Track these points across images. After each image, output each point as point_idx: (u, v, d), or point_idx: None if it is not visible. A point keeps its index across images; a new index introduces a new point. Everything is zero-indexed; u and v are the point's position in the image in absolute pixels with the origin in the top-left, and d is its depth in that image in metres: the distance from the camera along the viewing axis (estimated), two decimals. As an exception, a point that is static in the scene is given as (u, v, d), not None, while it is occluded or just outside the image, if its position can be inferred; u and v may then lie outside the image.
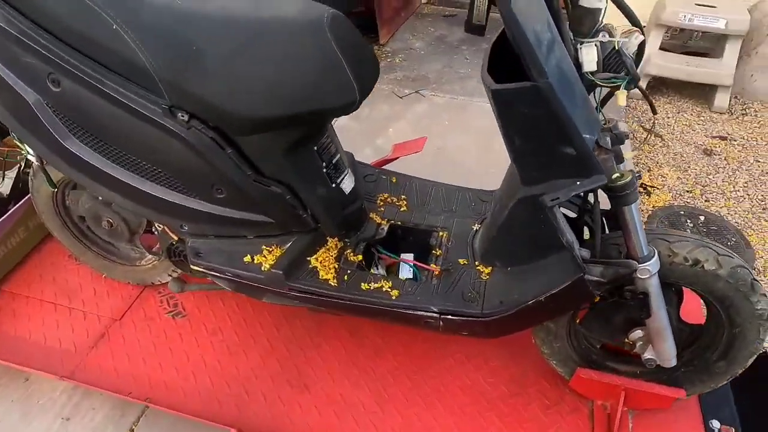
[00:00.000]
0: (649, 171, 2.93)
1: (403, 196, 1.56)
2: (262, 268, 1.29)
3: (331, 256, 1.35)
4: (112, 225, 1.64)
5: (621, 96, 0.99)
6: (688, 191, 2.77)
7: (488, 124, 3.02)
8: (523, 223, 1.16)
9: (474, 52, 3.70)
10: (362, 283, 1.29)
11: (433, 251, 1.41)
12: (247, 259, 1.30)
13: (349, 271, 1.33)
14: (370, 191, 1.57)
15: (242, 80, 1.06)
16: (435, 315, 1.24)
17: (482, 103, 3.17)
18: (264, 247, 1.32)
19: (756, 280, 1.19)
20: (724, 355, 1.32)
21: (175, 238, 1.38)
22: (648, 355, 1.30)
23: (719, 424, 1.46)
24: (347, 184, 1.37)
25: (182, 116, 1.09)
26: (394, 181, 1.63)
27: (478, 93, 3.25)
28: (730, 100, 3.35)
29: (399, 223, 1.49)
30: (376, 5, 3.54)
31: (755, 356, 1.30)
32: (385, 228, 1.47)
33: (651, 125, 1.03)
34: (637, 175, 1.04)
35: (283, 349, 1.66)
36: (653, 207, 2.64)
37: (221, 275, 1.31)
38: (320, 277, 1.30)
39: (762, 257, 2.44)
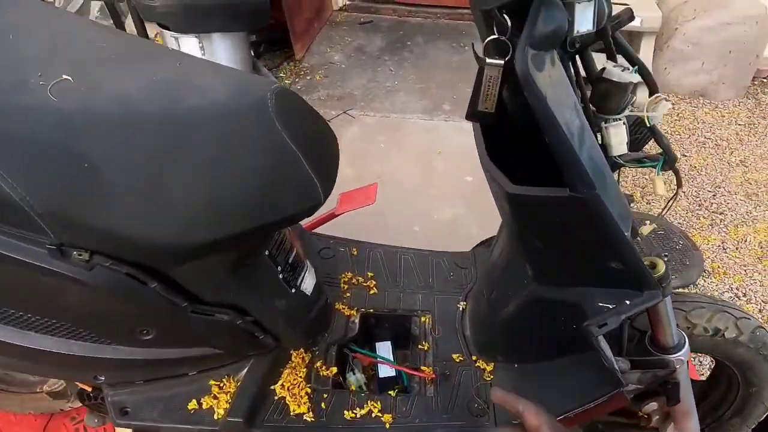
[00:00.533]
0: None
1: (369, 273, 1.32)
2: (215, 416, 1.00)
3: (300, 376, 1.08)
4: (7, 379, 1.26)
5: (659, 183, 0.81)
6: (627, 195, 2.76)
7: (425, 142, 2.85)
8: (535, 322, 0.97)
9: (397, 62, 3.49)
10: (345, 411, 1.04)
11: (420, 345, 1.18)
12: (192, 405, 1.00)
13: (325, 395, 1.07)
14: (329, 271, 1.31)
15: (164, 201, 0.76)
16: (438, 439, 1.02)
17: (415, 120, 2.99)
18: (212, 382, 1.03)
19: None
20: (738, 413, 1.23)
21: (89, 389, 1.04)
22: (670, 433, 1.17)
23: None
24: (308, 282, 1.11)
25: (79, 255, 0.77)
26: (354, 253, 1.38)
27: (409, 109, 3.05)
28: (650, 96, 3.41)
29: (371, 311, 1.25)
30: (287, 17, 3.22)
31: (769, 411, 1.22)
32: (357, 320, 1.22)
33: (672, 198, 0.86)
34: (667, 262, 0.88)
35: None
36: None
37: (158, 432, 1.00)
38: (291, 412, 1.03)
39: (708, 257, 2.48)
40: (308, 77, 3.29)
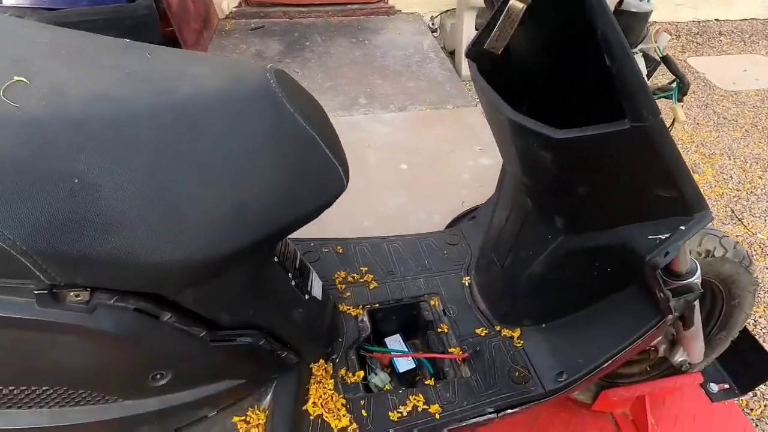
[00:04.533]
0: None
1: (363, 269, 1.24)
2: (253, 454, 0.87)
3: (328, 389, 0.98)
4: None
5: (679, 111, 0.83)
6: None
7: (351, 138, 2.78)
8: (565, 275, 0.96)
9: (301, 63, 3.39)
10: (388, 413, 0.96)
11: (439, 328, 1.13)
12: (223, 449, 0.86)
13: (362, 402, 0.98)
14: (322, 274, 1.21)
15: (174, 213, 0.63)
16: (491, 416, 0.98)
17: (336, 117, 2.91)
18: (236, 419, 0.90)
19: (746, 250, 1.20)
20: (723, 326, 1.33)
21: None
22: (679, 357, 1.23)
23: (716, 386, 1.50)
24: (317, 286, 1.01)
25: (76, 296, 0.62)
26: (340, 251, 1.29)
27: (326, 108, 2.96)
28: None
29: (377, 305, 1.18)
30: (176, 29, 2.99)
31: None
32: (365, 318, 1.14)
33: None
34: None
35: None
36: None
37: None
38: (334, 428, 0.93)
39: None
40: (212, 89, 3.08)
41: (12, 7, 2.33)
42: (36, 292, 0.60)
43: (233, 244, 0.67)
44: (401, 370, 1.14)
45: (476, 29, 3.54)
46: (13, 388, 0.67)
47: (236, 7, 3.89)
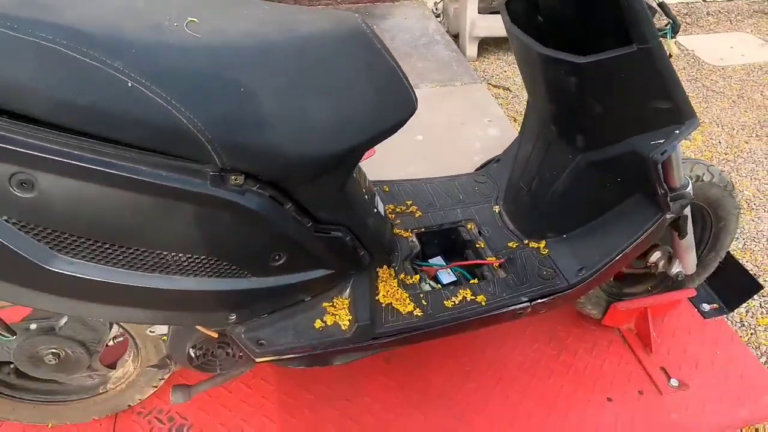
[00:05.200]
0: (515, 120, 3.26)
1: (408, 202, 1.47)
2: (342, 328, 1.09)
3: (394, 286, 1.21)
4: (60, 356, 1.21)
5: (673, 46, 1.06)
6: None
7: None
8: (584, 188, 1.19)
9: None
10: (444, 302, 1.19)
11: (477, 245, 1.36)
12: (318, 324, 1.09)
13: (421, 295, 1.21)
14: (374, 206, 1.44)
15: (307, 115, 0.86)
16: (526, 305, 1.21)
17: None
18: (325, 304, 1.12)
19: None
20: (712, 248, 1.56)
21: (214, 335, 1.08)
22: (675, 269, 1.46)
23: (708, 306, 1.74)
24: (380, 205, 1.24)
25: (235, 179, 0.84)
26: (386, 190, 1.51)
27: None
28: (543, 46, 3.88)
29: (422, 229, 1.40)
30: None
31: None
32: (414, 239, 1.37)
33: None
34: None
35: (329, 409, 1.45)
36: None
37: (296, 355, 1.07)
38: (402, 312, 1.15)
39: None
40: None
41: None
42: (211, 173, 0.82)
43: (342, 145, 0.90)
44: (445, 282, 1.37)
45: (480, 13, 3.76)
46: (175, 254, 0.88)
47: None
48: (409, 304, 1.17)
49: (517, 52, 1.16)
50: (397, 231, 1.37)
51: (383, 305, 1.16)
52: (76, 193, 0.78)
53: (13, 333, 1.08)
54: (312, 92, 0.86)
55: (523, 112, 3.32)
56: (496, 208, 1.45)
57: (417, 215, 1.43)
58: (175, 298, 0.93)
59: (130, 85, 0.72)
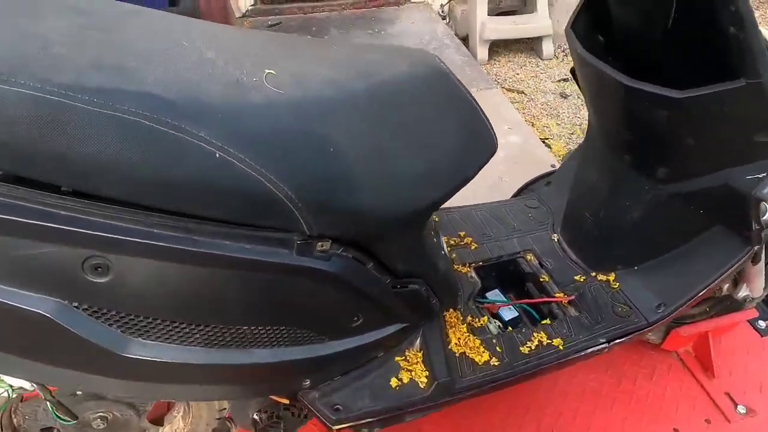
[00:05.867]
0: (533, 125, 3.20)
1: (461, 233, 1.40)
2: (420, 386, 1.02)
3: (464, 332, 1.14)
4: (108, 419, 1.13)
5: None
6: (571, 133, 3.10)
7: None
8: (662, 220, 1.13)
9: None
10: (519, 348, 1.12)
11: (540, 278, 1.29)
12: (395, 383, 1.01)
13: (494, 341, 1.14)
14: (425, 240, 1.37)
15: (395, 170, 0.78)
16: (603, 346, 1.14)
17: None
18: (398, 359, 1.05)
19: None
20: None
21: (285, 401, 1.00)
22: (742, 293, 1.40)
23: (764, 322, 1.69)
24: (443, 242, 1.16)
25: (322, 245, 0.77)
26: (436, 220, 1.44)
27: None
28: (553, 47, 3.81)
29: (480, 263, 1.33)
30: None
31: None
32: (474, 275, 1.30)
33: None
34: None
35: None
36: (559, 156, 2.90)
37: (374, 418, 1.00)
38: (479, 362, 1.08)
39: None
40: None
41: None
42: (298, 242, 0.74)
43: (430, 199, 0.82)
44: (507, 319, 1.30)
45: (488, 14, 3.68)
46: (260, 327, 0.81)
47: (252, 5, 3.99)
48: (483, 352, 1.10)
49: (587, 79, 1.09)
50: (456, 267, 1.30)
51: (457, 355, 1.09)
52: (154, 274, 0.70)
53: (75, 417, 1.00)
54: (399, 144, 0.78)
55: (538, 116, 3.27)
56: (555, 237, 1.38)
57: (473, 247, 1.36)
58: (252, 372, 0.86)
59: (218, 156, 0.64)
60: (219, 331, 0.79)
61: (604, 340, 1.14)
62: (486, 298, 1.30)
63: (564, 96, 3.40)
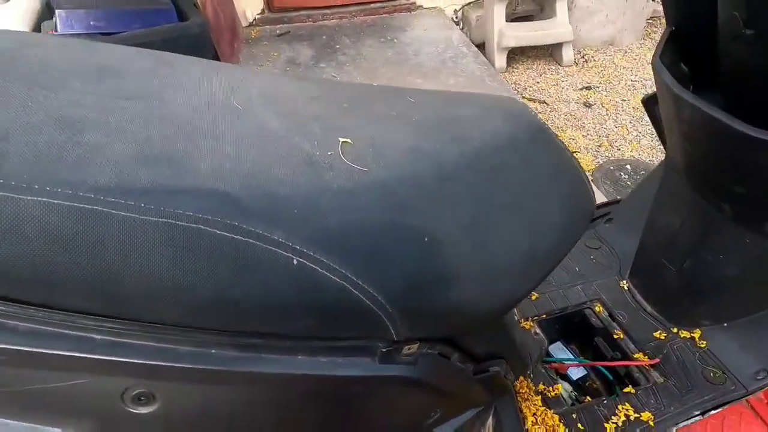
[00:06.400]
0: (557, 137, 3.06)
1: (519, 281, 1.26)
2: (499, 477, 0.89)
3: (538, 405, 1.00)
4: None
5: None
6: (599, 146, 2.96)
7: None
8: (763, 275, 0.99)
9: (336, 66, 3.37)
10: (603, 424, 0.99)
11: (614, 334, 1.15)
12: (470, 476, 0.88)
13: (573, 415, 1.00)
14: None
15: (501, 254, 0.64)
16: (698, 419, 1.00)
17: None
18: (468, 446, 0.91)
19: None
20: None
21: None
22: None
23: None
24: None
25: (409, 349, 0.63)
26: (489, 266, 1.30)
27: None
28: (573, 53, 3.67)
29: (543, 315, 1.19)
30: (216, 45, 2.95)
31: None
32: (539, 332, 1.16)
33: None
34: None
35: None
36: (589, 172, 2.76)
37: None
38: (560, 445, 0.95)
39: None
40: (257, 101, 3.05)
41: (67, 34, 2.28)
42: (384, 349, 0.60)
43: (531, 283, 0.68)
44: (575, 378, 1.16)
45: (506, 20, 3.54)
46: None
47: (259, 14, 3.85)
48: (564, 431, 0.96)
49: (680, 118, 0.95)
50: (519, 323, 1.16)
51: (535, 436, 0.96)
52: (209, 399, 0.56)
53: None
54: (503, 224, 0.64)
55: (563, 127, 3.13)
56: (624, 284, 1.25)
57: (533, 297, 1.23)
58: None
59: (295, 262, 0.50)
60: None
61: (698, 412, 1.00)
62: (551, 356, 1.17)
63: (588, 105, 3.26)
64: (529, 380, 1.04)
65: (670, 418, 0.99)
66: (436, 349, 0.68)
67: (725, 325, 1.09)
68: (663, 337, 1.12)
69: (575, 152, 2.91)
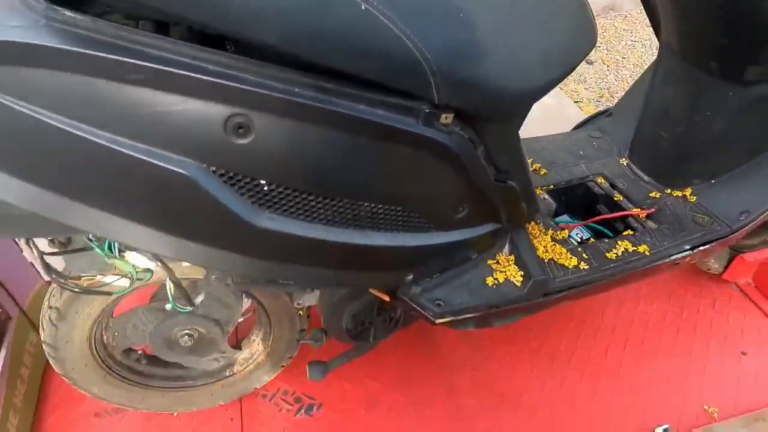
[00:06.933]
0: (561, 89, 3.20)
1: (529, 160, 1.40)
2: (516, 284, 1.03)
3: (548, 242, 1.15)
4: (195, 337, 1.14)
5: None
6: (600, 97, 3.10)
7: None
8: (746, 127, 1.13)
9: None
10: (606, 254, 1.13)
11: (614, 198, 1.30)
12: (490, 281, 1.02)
13: (580, 249, 1.14)
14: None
15: (516, 47, 0.79)
16: (688, 252, 1.15)
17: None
18: (489, 262, 1.06)
19: None
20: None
21: (386, 298, 1.01)
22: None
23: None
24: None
25: (445, 118, 0.77)
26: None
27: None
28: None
29: (551, 186, 1.34)
30: None
31: None
32: (547, 197, 1.31)
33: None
34: None
35: (459, 379, 1.40)
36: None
37: (472, 315, 1.01)
38: (568, 266, 1.09)
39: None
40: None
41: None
42: (426, 111, 0.74)
43: (542, 80, 0.83)
44: (579, 241, 1.31)
45: None
46: (373, 205, 0.81)
47: None
48: (571, 258, 1.11)
49: None
50: (529, 188, 1.31)
51: (545, 261, 1.10)
52: (291, 136, 0.70)
53: (192, 304, 1.01)
54: (521, 23, 0.79)
55: (565, 81, 3.27)
56: (623, 161, 1.39)
57: (542, 173, 1.37)
58: (366, 255, 0.86)
59: (363, 8, 0.64)
60: (342, 207, 0.79)
61: (688, 247, 1.14)
62: (558, 220, 1.31)
63: (589, 62, 3.40)
64: (541, 226, 1.18)
65: (664, 251, 1.13)
66: (467, 133, 0.82)
67: (713, 181, 1.24)
68: (658, 196, 1.27)
69: (577, 102, 3.05)
